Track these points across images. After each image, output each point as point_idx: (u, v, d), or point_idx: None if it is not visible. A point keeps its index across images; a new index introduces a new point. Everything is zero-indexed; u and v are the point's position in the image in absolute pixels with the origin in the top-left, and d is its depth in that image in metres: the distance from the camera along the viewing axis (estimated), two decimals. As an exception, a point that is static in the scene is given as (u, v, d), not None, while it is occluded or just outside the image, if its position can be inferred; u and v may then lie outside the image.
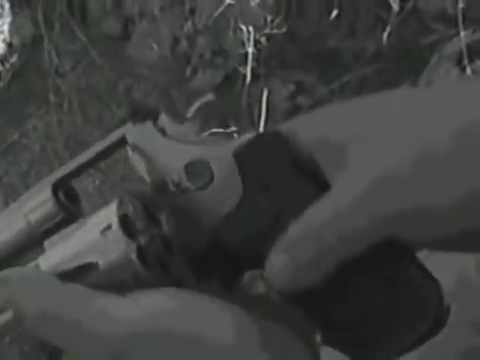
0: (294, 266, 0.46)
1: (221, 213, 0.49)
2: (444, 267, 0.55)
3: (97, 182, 2.49)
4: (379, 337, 0.47)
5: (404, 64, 2.42)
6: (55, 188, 0.52)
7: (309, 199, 0.47)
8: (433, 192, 0.45)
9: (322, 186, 0.47)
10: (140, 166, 0.52)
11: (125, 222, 0.48)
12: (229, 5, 2.56)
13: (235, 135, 2.25)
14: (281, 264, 0.47)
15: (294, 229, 0.47)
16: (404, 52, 2.47)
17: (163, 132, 0.51)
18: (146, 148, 0.51)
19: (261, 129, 2.30)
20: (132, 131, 0.52)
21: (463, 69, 2.20)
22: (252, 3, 2.60)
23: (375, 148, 0.46)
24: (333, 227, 0.46)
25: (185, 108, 2.62)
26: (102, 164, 2.50)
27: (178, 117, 0.53)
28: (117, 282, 0.48)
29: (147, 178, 0.52)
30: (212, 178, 0.49)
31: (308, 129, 0.49)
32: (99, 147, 0.52)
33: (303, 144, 0.49)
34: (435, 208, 0.45)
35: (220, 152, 0.49)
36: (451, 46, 2.30)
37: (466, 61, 2.14)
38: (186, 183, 0.49)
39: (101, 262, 0.48)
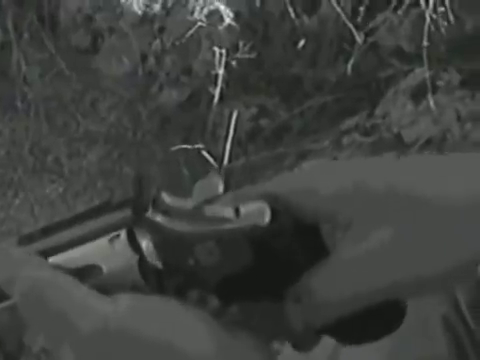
0: (305, 321, 0.52)
1: (227, 276, 0.52)
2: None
3: (60, 190, 2.51)
4: (363, 332, 0.54)
5: (361, 95, 2.51)
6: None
7: (312, 261, 0.51)
8: (424, 265, 0.50)
9: (322, 246, 0.52)
10: (150, 253, 0.52)
11: (132, 236, 0.52)
12: (200, 27, 2.62)
13: (203, 152, 2.30)
14: (295, 318, 0.52)
15: (303, 288, 0.52)
16: (362, 84, 2.56)
17: (166, 212, 0.51)
18: (153, 237, 0.52)
19: (228, 148, 2.35)
20: (133, 222, 0.52)
21: (417, 103, 2.30)
22: (220, 27, 2.66)
23: (374, 223, 0.50)
24: (335, 290, 0.51)
25: (149, 123, 2.66)
26: (66, 172, 2.54)
27: (179, 193, 0.53)
28: (116, 289, 0.51)
29: (156, 262, 0.52)
30: (223, 255, 0.51)
31: (317, 200, 0.52)
32: (94, 226, 0.53)
33: (309, 211, 0.52)
34: (425, 278, 0.51)
35: (231, 233, 0.50)
36: (407, 81, 2.39)
37: (429, 95, 2.23)
38: (196, 261, 0.51)
39: (105, 266, 0.52)
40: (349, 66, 2.50)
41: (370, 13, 2.56)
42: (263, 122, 2.53)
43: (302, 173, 0.56)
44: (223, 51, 2.42)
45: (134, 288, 0.52)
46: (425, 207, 0.50)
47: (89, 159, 2.56)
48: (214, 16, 2.70)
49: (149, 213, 0.51)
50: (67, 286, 0.52)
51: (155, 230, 0.51)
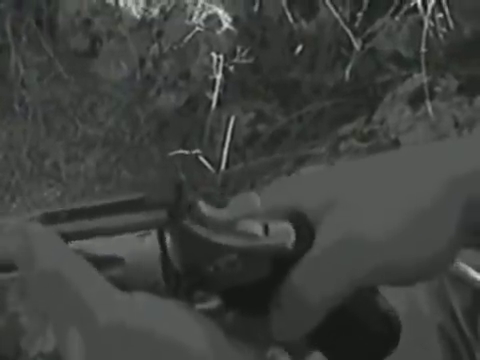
0: (290, 326, 0.53)
1: (245, 284, 0.53)
2: (396, 296, 0.60)
3: (58, 194, 2.51)
4: (353, 350, 0.55)
5: (359, 100, 2.51)
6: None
7: None
8: (397, 254, 0.52)
9: None
10: (174, 255, 0.53)
11: (162, 237, 0.52)
12: (198, 32, 2.63)
13: (200, 157, 2.30)
14: (279, 326, 0.53)
15: (288, 293, 0.53)
16: (360, 89, 2.56)
17: (201, 222, 0.52)
18: (182, 242, 0.52)
19: (225, 153, 2.35)
20: (166, 224, 0.52)
21: (415, 109, 2.30)
22: (218, 32, 2.66)
23: (345, 213, 0.52)
24: (313, 284, 0.52)
25: (147, 127, 2.66)
26: (64, 176, 2.54)
27: (215, 202, 0.54)
28: (134, 284, 0.51)
29: (179, 265, 0.53)
30: (244, 269, 0.52)
31: (286, 197, 0.55)
32: (125, 220, 0.52)
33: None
34: (399, 267, 0.53)
35: (258, 250, 0.52)
36: (405, 87, 2.40)
37: (427, 101, 2.23)
38: (216, 269, 0.52)
39: (128, 260, 0.51)
40: (347, 71, 2.50)
41: (368, 18, 2.57)
42: (261, 127, 2.53)
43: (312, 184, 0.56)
44: (220, 56, 2.42)
45: (153, 287, 0.52)
46: (395, 202, 0.53)
47: (87, 163, 2.56)
48: (212, 21, 2.71)
49: (186, 221, 0.52)
50: (89, 272, 0.51)
51: (187, 236, 0.52)
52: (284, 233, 0.52)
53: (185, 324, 0.51)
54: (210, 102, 2.50)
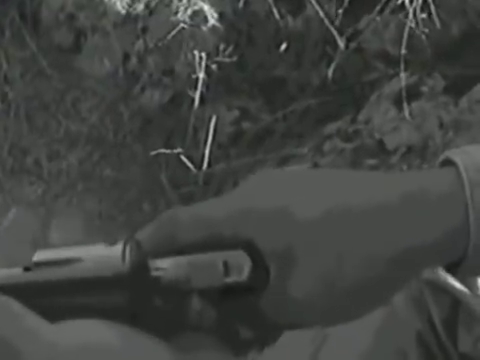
0: None
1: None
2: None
3: (39, 191, 2.50)
4: None
5: (345, 99, 2.50)
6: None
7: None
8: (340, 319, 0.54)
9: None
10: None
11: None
12: (182, 28, 2.61)
13: (181, 157, 2.28)
14: None
15: None
16: (346, 87, 2.55)
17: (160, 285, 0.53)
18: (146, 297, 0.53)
19: (207, 152, 2.34)
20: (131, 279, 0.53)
21: (400, 109, 2.29)
22: (204, 28, 2.65)
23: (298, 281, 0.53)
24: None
25: (131, 124, 2.65)
26: (45, 173, 2.52)
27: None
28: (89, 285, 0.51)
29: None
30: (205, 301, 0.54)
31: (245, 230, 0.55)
32: (87, 273, 0.52)
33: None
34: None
35: (215, 289, 0.54)
36: (391, 86, 2.39)
37: (404, 103, 2.23)
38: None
39: (87, 256, 0.52)
40: (330, 70, 2.49)
41: (355, 16, 2.56)
42: (245, 125, 2.52)
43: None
44: (203, 54, 2.41)
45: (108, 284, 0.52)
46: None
47: (69, 161, 2.55)
48: (198, 16, 2.69)
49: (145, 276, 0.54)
50: (16, 312, 0.51)
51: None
52: (241, 267, 0.54)
53: (120, 353, 0.50)
54: (194, 100, 2.49)
